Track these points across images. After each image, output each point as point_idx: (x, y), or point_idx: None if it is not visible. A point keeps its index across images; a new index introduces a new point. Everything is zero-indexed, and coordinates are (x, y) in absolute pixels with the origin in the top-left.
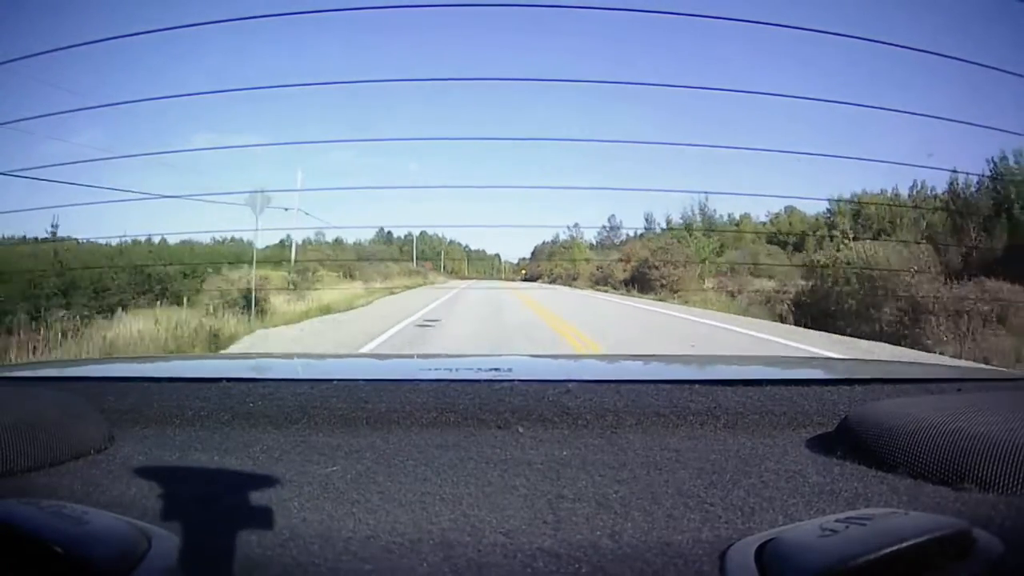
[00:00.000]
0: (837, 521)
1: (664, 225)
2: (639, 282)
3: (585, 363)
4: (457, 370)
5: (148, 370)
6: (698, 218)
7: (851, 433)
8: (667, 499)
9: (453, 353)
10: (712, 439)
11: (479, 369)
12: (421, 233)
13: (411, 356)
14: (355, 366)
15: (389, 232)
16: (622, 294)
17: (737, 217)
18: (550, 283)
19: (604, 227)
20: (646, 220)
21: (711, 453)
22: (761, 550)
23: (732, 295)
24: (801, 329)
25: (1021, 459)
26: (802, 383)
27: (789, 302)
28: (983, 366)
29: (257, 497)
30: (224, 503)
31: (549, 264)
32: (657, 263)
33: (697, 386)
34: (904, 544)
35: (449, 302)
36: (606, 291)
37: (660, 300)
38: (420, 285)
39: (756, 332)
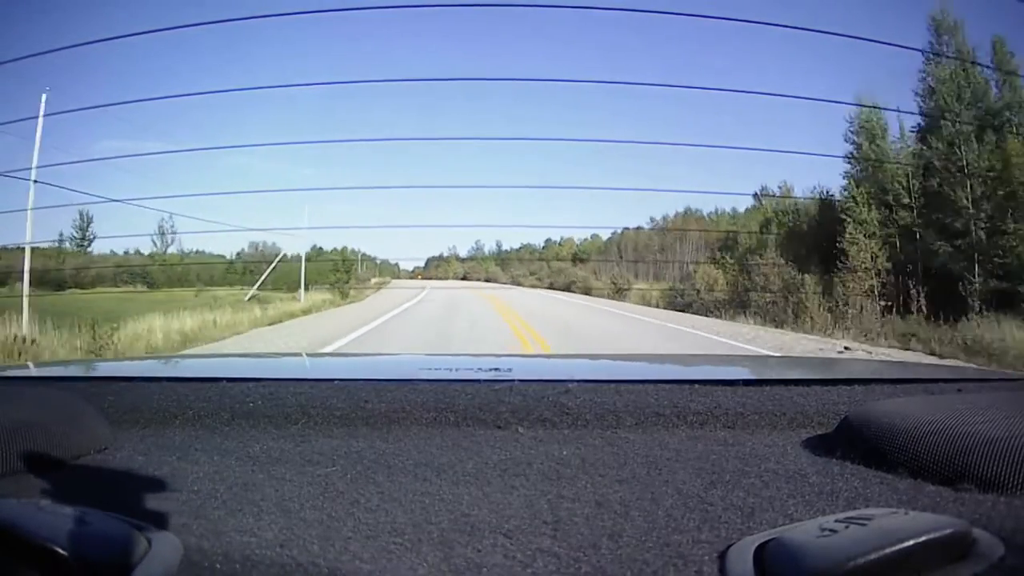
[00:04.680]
0: (837, 521)
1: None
2: (466, 278)
3: (585, 363)
4: (457, 370)
5: (148, 370)
6: (496, 248)
7: (851, 433)
8: (667, 499)
9: (453, 353)
10: (712, 439)
11: (479, 369)
12: (343, 247)
13: (411, 356)
14: (355, 366)
15: (321, 248)
16: (463, 284)
17: (563, 238)
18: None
19: (471, 248)
20: (475, 245)
21: (711, 453)
22: (761, 550)
23: (519, 285)
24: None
25: (1021, 459)
26: (802, 383)
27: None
28: (983, 368)
29: (257, 497)
30: (224, 503)
31: (436, 271)
32: (469, 271)
33: (697, 386)
34: (904, 544)
35: (412, 284)
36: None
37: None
38: (387, 284)
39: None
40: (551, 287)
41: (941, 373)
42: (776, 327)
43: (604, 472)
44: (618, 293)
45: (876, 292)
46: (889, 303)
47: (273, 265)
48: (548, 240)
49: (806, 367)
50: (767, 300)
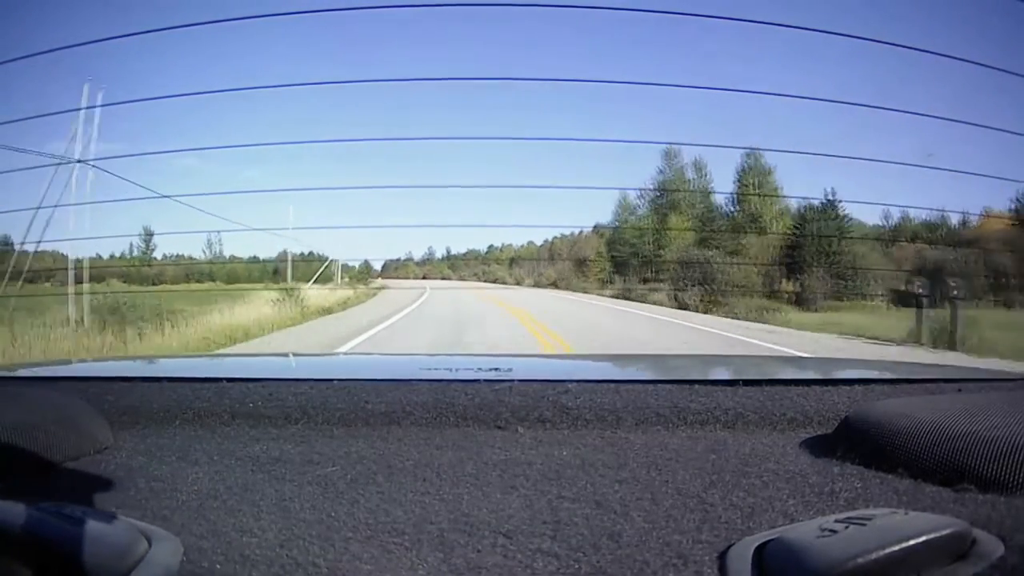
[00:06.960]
0: (837, 521)
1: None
2: (426, 277)
3: (585, 363)
4: (456, 370)
5: (148, 370)
6: (446, 253)
7: (851, 433)
8: (667, 499)
9: (453, 353)
10: (712, 439)
11: (479, 369)
12: (310, 252)
13: (411, 356)
14: (355, 366)
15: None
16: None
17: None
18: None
19: (425, 253)
20: (429, 250)
21: (711, 453)
22: (761, 550)
23: (464, 281)
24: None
25: (1021, 459)
26: (802, 383)
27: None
28: (983, 367)
29: (256, 497)
30: (224, 503)
31: (395, 273)
32: (427, 272)
33: (697, 386)
34: (904, 544)
35: (414, 284)
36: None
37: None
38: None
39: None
40: (485, 281)
41: (941, 373)
42: (556, 290)
43: (604, 472)
44: (516, 284)
45: (607, 279)
46: (609, 282)
47: (325, 265)
48: (491, 246)
49: (806, 367)
50: (564, 283)
